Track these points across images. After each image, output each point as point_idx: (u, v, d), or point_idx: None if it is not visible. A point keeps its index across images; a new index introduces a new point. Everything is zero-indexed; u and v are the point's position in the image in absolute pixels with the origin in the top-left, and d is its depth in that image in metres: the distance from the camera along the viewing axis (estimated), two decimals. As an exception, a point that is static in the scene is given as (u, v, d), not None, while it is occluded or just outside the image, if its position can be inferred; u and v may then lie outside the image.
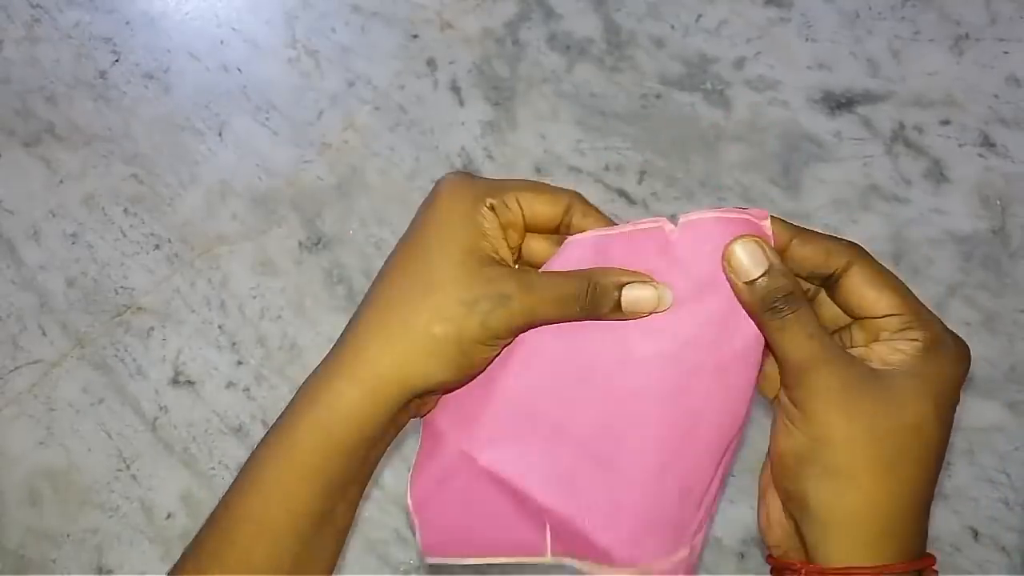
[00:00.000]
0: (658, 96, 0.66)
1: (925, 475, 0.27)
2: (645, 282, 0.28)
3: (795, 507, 0.27)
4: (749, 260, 0.27)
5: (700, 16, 0.69)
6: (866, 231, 0.60)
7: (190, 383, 0.60)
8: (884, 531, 0.26)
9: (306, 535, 0.28)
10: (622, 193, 0.63)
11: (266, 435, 0.30)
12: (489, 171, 0.65)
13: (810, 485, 0.26)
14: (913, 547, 0.26)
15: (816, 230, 0.29)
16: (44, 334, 0.62)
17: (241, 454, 0.57)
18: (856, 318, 0.29)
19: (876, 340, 0.28)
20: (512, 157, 0.65)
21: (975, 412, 0.54)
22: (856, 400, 0.25)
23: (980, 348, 0.56)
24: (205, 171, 0.67)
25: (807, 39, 0.67)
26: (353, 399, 0.28)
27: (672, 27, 0.69)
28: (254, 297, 0.62)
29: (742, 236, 0.27)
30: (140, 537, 0.55)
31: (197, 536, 0.30)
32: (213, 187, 0.66)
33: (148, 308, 0.62)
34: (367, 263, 0.62)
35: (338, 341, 0.30)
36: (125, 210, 0.66)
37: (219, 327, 0.61)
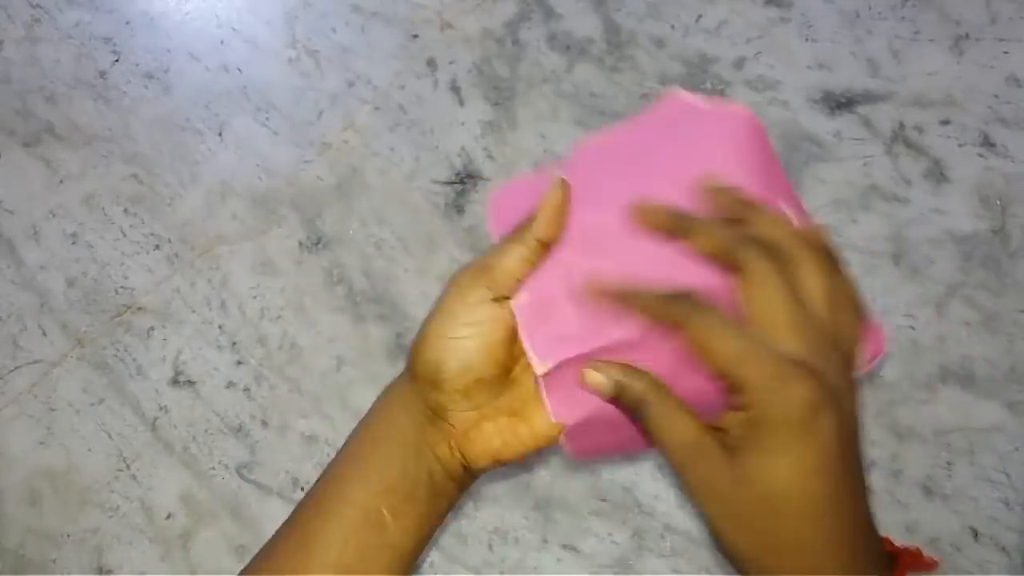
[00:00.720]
0: (658, 96, 0.66)
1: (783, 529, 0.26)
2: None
3: None
4: (603, 381, 0.29)
5: (700, 16, 0.69)
6: (866, 231, 0.60)
7: (190, 383, 0.60)
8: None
9: (356, 527, 0.30)
10: (622, 193, 0.63)
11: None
12: (489, 171, 0.65)
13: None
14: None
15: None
16: (44, 334, 0.62)
17: (241, 454, 0.57)
18: None
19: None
20: (512, 157, 0.65)
21: (975, 412, 0.54)
22: (711, 490, 0.27)
23: (980, 348, 0.56)
24: (205, 171, 0.67)
25: (807, 39, 0.67)
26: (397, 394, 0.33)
27: (672, 27, 0.69)
28: (254, 297, 0.62)
29: (589, 365, 0.29)
30: (140, 537, 0.55)
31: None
32: (213, 187, 0.66)
33: (148, 308, 0.62)
34: (367, 263, 0.62)
35: None
36: (125, 210, 0.66)
37: (219, 327, 0.61)
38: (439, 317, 0.31)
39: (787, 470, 0.25)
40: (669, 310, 0.28)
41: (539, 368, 0.30)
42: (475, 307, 0.30)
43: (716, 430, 0.27)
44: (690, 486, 0.27)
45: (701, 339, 0.26)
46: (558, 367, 0.31)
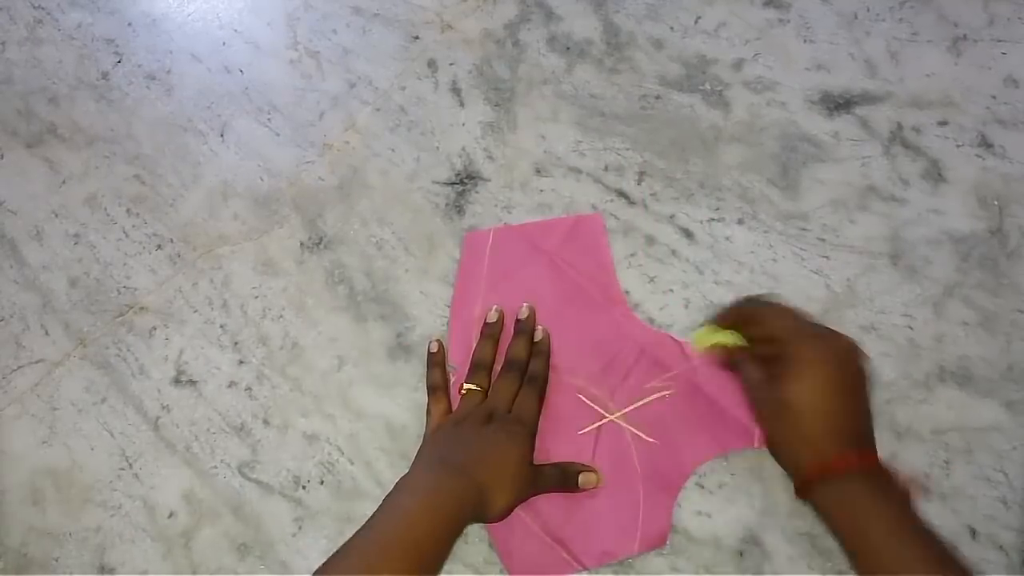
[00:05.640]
0: (657, 97, 0.66)
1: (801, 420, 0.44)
2: (591, 471, 0.54)
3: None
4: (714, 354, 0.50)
5: (699, 18, 0.69)
6: (864, 231, 0.60)
7: (192, 382, 0.60)
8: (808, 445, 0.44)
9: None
10: (621, 193, 0.63)
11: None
12: (489, 171, 0.65)
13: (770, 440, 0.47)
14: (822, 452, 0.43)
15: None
16: (47, 334, 0.63)
17: (243, 453, 0.57)
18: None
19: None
20: (512, 158, 0.65)
21: (973, 411, 0.55)
22: (764, 405, 0.46)
23: (978, 348, 0.56)
24: (207, 171, 0.67)
25: (805, 40, 0.67)
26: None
27: (671, 28, 0.69)
28: (256, 297, 0.62)
29: (710, 348, 0.49)
30: (142, 536, 0.56)
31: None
32: (215, 187, 0.67)
33: (150, 308, 0.63)
34: (368, 263, 0.63)
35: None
36: (127, 210, 0.66)
37: (221, 327, 0.61)
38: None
39: (803, 390, 0.43)
40: (748, 310, 0.48)
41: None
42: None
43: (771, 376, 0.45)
44: (754, 406, 0.46)
45: (766, 317, 0.46)
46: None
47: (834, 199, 0.61)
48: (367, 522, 0.44)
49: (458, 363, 0.58)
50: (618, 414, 0.55)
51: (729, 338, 0.48)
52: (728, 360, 0.49)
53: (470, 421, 0.52)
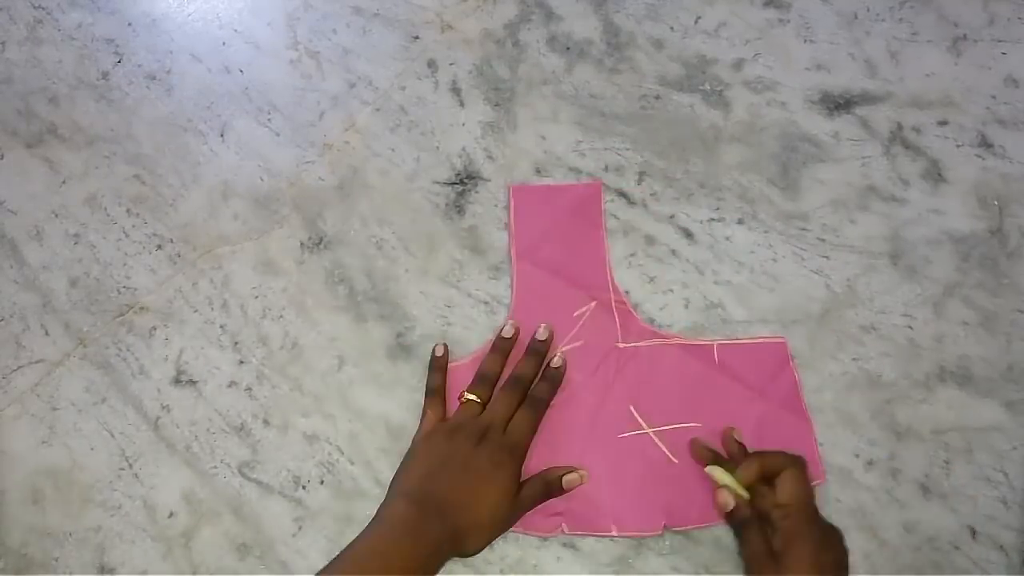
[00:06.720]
0: (657, 97, 0.66)
1: None
2: (573, 471, 0.54)
3: None
4: (724, 500, 0.50)
5: (699, 18, 0.69)
6: (864, 231, 0.60)
7: (192, 382, 0.60)
8: None
9: None
10: (621, 193, 0.63)
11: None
12: (489, 171, 0.65)
13: None
14: None
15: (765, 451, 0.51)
16: (47, 334, 0.63)
17: (243, 453, 0.57)
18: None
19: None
20: (512, 158, 0.65)
21: (973, 411, 0.55)
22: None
23: (978, 348, 0.56)
24: (207, 171, 0.67)
25: (805, 40, 0.67)
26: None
27: (671, 28, 0.69)
28: (256, 297, 0.62)
29: (722, 488, 0.50)
30: (142, 536, 0.56)
31: None
32: (215, 187, 0.67)
33: (150, 308, 0.63)
34: (368, 263, 0.63)
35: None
36: (127, 210, 0.66)
37: (221, 327, 0.61)
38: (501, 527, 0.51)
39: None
40: (767, 463, 0.50)
41: None
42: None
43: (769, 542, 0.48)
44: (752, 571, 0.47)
45: (782, 480, 0.48)
46: None
47: (834, 199, 0.61)
48: (346, 549, 0.46)
49: (518, 310, 0.59)
50: (655, 430, 0.55)
51: (735, 486, 0.50)
52: (732, 511, 0.50)
53: (463, 435, 0.51)
